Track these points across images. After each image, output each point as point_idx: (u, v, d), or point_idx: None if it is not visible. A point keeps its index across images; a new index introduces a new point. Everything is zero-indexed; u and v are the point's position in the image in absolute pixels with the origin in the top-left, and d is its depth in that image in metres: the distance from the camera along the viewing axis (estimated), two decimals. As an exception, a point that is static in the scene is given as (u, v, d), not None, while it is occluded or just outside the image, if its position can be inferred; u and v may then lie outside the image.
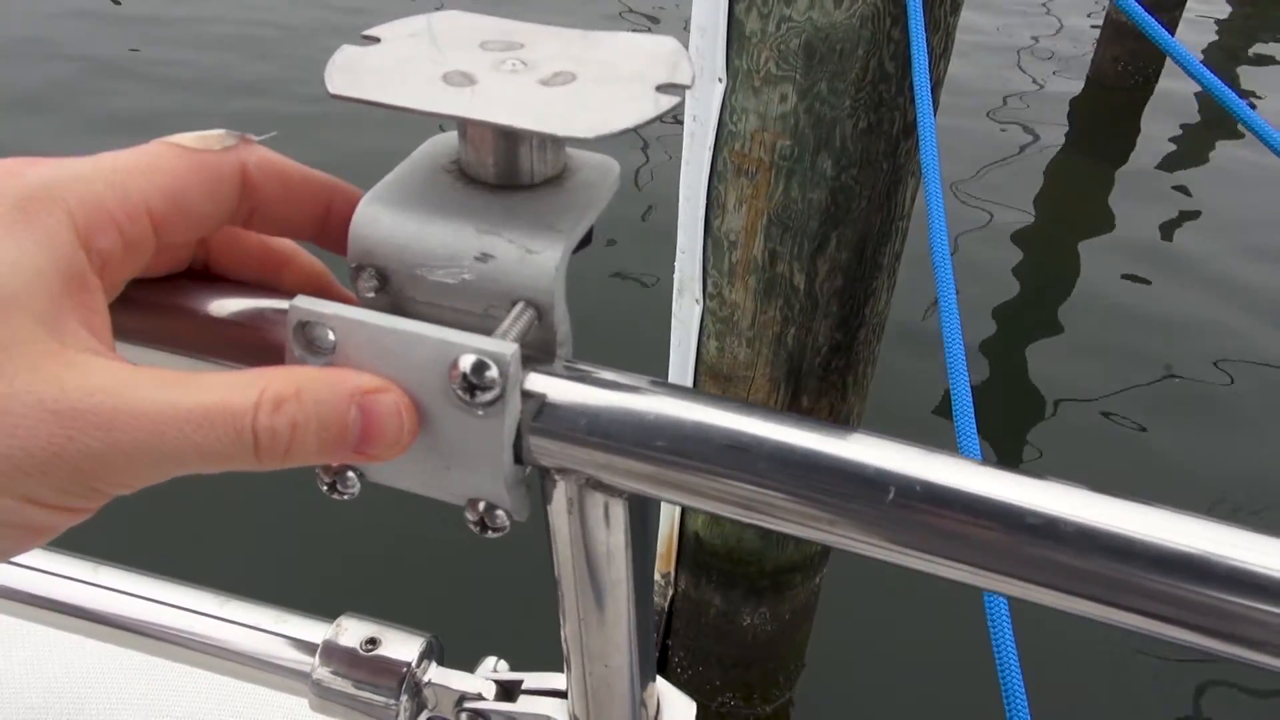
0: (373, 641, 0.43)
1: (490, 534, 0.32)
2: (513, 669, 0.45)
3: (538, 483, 0.34)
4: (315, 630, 0.44)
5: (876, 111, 1.29)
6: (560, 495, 0.34)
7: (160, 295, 0.34)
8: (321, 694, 0.43)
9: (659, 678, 0.43)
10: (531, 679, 0.44)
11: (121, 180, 0.29)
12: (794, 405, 1.55)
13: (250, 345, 0.33)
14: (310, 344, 0.31)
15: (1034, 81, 5.36)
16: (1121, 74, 5.09)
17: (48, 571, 0.45)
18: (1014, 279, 3.71)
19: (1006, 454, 2.84)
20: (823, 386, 1.55)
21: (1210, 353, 3.29)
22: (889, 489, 0.27)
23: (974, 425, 1.05)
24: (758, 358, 1.51)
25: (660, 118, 0.30)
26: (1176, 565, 0.25)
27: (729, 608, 1.84)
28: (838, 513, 0.28)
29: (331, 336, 0.30)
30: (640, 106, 0.30)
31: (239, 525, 2.49)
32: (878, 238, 1.41)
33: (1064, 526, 0.26)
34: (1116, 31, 5.01)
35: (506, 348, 0.29)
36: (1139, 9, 1.31)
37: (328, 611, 0.45)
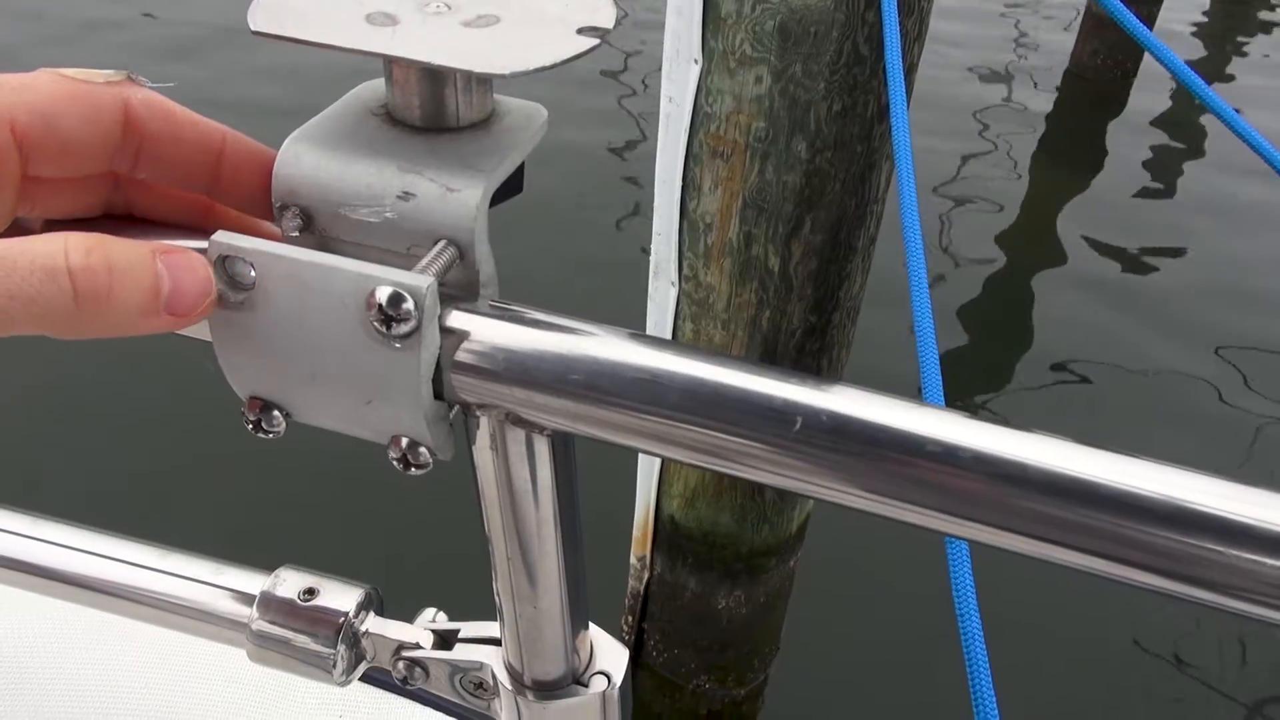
0: (310, 592, 0.43)
1: (414, 471, 0.33)
2: (453, 620, 0.45)
3: (463, 425, 0.35)
4: (253, 581, 0.44)
5: (851, 94, 1.30)
6: (483, 432, 0.34)
7: None
8: (259, 644, 0.43)
9: (592, 624, 0.43)
10: (468, 628, 0.44)
11: None
12: (768, 388, 1.55)
13: None
14: (231, 279, 0.31)
15: (1013, 73, 5.38)
16: (1101, 67, 5.11)
17: None
18: (989, 270, 3.73)
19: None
20: (797, 369, 1.55)
21: (1189, 342, 3.32)
22: (795, 420, 0.28)
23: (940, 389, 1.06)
24: (732, 340, 1.52)
25: (579, 58, 0.30)
26: (1070, 493, 0.26)
27: (704, 591, 1.85)
28: (747, 443, 0.28)
29: (252, 273, 0.31)
30: (559, 47, 0.30)
31: (182, 479, 2.49)
32: (852, 221, 1.42)
33: (962, 454, 0.26)
34: (1096, 24, 5.02)
35: (422, 280, 0.29)
36: (1118, 3, 1.32)
37: (268, 565, 0.45)
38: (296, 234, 0.33)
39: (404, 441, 0.32)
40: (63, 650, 0.64)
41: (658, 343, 0.30)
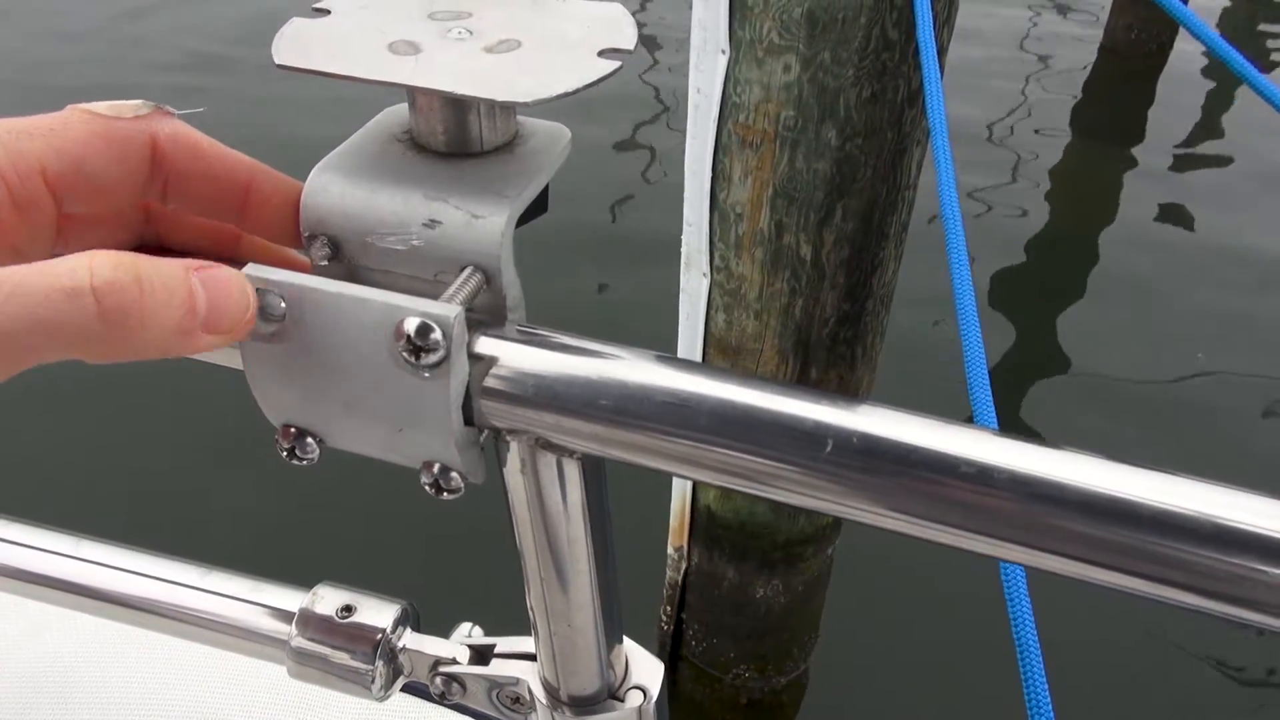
0: (348, 609, 0.44)
1: (446, 495, 0.33)
2: (488, 634, 0.45)
3: (494, 447, 0.35)
4: (292, 599, 0.44)
5: (880, 80, 1.28)
6: (513, 456, 0.34)
7: None
8: (299, 660, 0.43)
9: (627, 639, 0.43)
10: (504, 643, 0.44)
11: (15, 141, 0.29)
12: (802, 377, 1.55)
13: None
14: (261, 311, 0.31)
15: (1047, 50, 5.28)
16: (1135, 41, 5.01)
17: (30, 546, 0.46)
18: (1025, 252, 3.67)
19: (1022, 428, 2.82)
20: (831, 358, 1.54)
21: (1233, 326, 3.25)
22: (826, 442, 0.28)
23: (989, 394, 1.04)
24: (766, 330, 1.51)
25: (601, 81, 0.30)
26: (1109, 513, 0.25)
27: (742, 580, 1.85)
28: (778, 465, 0.28)
29: (282, 304, 0.31)
30: (580, 71, 0.30)
31: (222, 497, 2.51)
32: (884, 207, 1.40)
33: (997, 475, 0.26)
34: (1129, -1, 4.94)
35: (450, 310, 0.29)
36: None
37: (306, 582, 0.46)
38: (325, 263, 0.33)
39: (436, 467, 0.32)
40: (107, 666, 0.66)
41: (686, 365, 0.30)
